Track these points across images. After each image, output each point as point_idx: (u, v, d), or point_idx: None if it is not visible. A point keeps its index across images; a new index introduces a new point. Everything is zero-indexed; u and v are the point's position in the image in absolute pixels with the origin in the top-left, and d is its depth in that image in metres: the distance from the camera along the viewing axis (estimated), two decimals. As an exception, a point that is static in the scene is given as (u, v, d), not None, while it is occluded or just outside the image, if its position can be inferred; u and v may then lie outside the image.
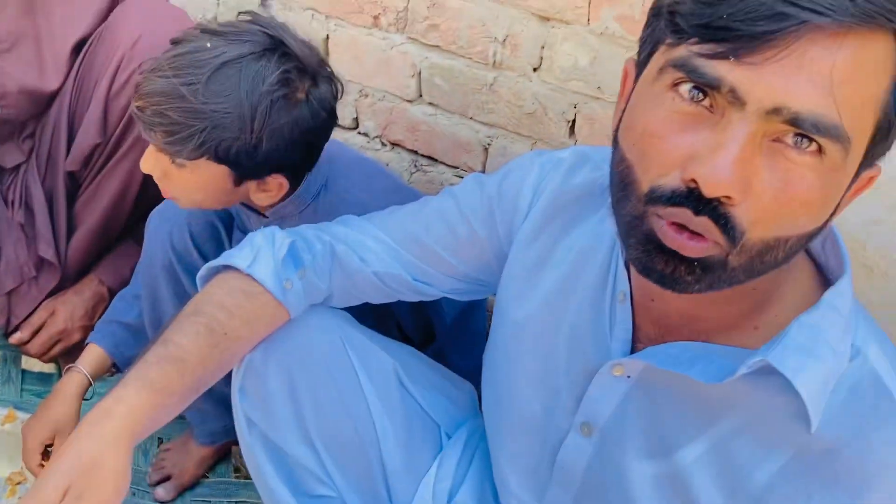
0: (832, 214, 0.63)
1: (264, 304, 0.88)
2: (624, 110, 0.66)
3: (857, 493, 0.66)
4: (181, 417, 1.36)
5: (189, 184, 1.01)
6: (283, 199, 1.08)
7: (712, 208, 0.58)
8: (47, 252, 1.39)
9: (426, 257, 0.92)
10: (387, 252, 0.92)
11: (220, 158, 0.98)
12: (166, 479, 1.36)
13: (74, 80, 1.32)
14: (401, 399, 0.95)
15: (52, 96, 1.35)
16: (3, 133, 1.37)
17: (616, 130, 0.67)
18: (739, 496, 0.71)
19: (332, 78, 1.06)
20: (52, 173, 1.39)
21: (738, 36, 0.55)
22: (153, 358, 0.81)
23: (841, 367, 0.67)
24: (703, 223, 0.58)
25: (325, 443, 0.92)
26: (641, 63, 0.65)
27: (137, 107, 0.97)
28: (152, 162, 1.01)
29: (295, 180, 1.07)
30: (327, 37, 1.46)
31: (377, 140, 1.49)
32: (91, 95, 1.29)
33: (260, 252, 0.88)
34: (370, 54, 1.42)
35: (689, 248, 0.60)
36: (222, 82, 0.95)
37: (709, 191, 0.57)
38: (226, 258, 0.89)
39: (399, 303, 1.01)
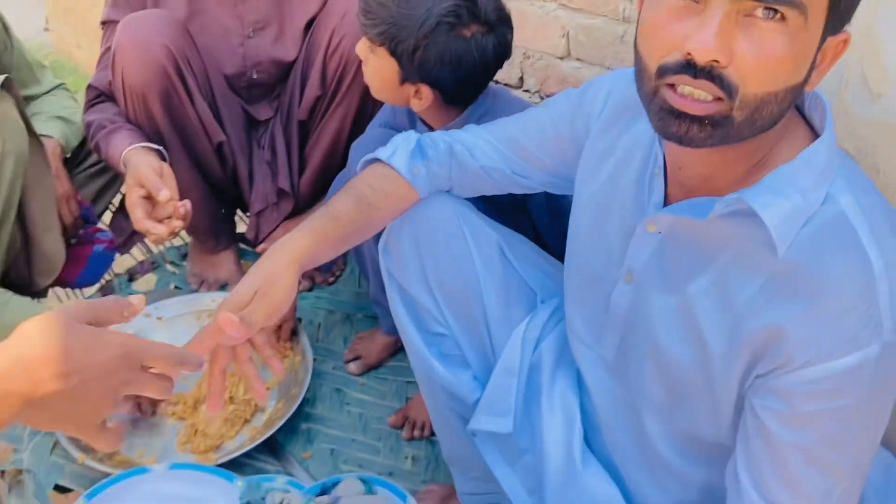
0: (810, 72, 0.81)
1: (398, 185, 1.19)
2: (638, 20, 0.89)
3: (810, 303, 0.83)
4: (373, 316, 1.76)
5: (374, 70, 1.35)
6: (451, 122, 1.39)
7: (707, 72, 0.78)
8: (285, 184, 1.84)
9: (522, 154, 1.19)
10: (493, 150, 1.20)
11: (392, 52, 1.31)
12: (357, 358, 1.74)
13: (305, 51, 1.76)
14: (502, 266, 1.22)
15: (291, 65, 1.80)
16: (258, 94, 1.86)
17: (635, 38, 0.90)
18: (728, 315, 0.90)
19: (502, 40, 1.34)
20: (290, 124, 1.85)
21: None
22: (317, 215, 1.17)
23: (810, 209, 0.84)
24: (701, 84, 0.79)
25: (442, 293, 1.21)
26: None
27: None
28: (361, 45, 1.36)
29: (450, 101, 1.37)
30: (499, 10, 1.77)
31: (537, 95, 1.76)
32: (314, 60, 1.72)
33: (398, 148, 1.21)
34: (531, 21, 1.70)
35: (696, 107, 0.80)
36: None
37: (700, 57, 0.78)
38: (374, 153, 1.23)
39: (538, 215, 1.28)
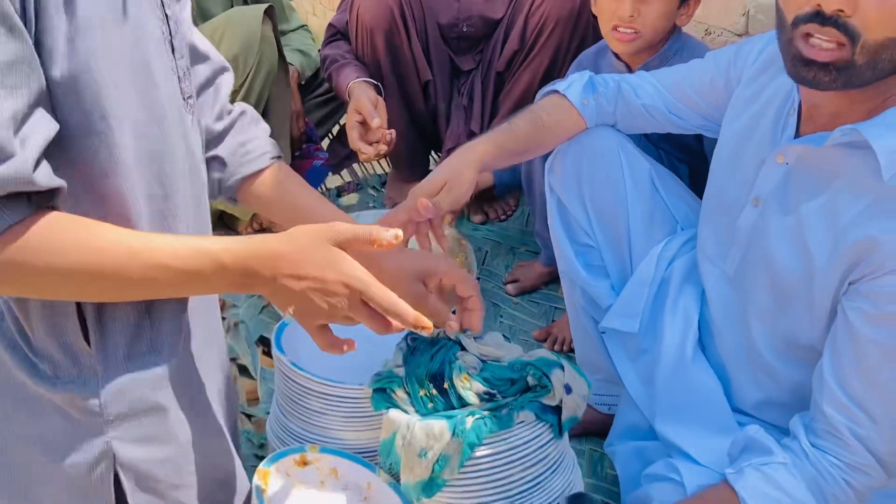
0: None
1: (570, 112, 1.41)
2: None
3: None
4: (535, 252, 2.00)
5: (658, 7, 1.51)
6: (652, 56, 1.59)
7: (834, 21, 0.95)
8: (476, 127, 2.11)
9: (681, 97, 1.37)
10: (655, 92, 1.40)
11: None
12: (515, 281, 1.98)
13: (511, 10, 2.02)
14: (650, 192, 1.41)
15: (498, 22, 2.07)
16: (465, 46, 2.14)
17: None
18: (833, 230, 1.06)
19: None
20: (488, 75, 2.12)
21: None
22: (500, 129, 1.40)
23: None
24: (828, 31, 0.96)
25: (595, 209, 1.42)
26: None
27: None
28: None
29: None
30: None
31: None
32: (517, 18, 1.98)
33: (573, 82, 1.42)
34: (715, 1, 1.86)
35: (822, 55, 0.97)
36: None
37: (827, 7, 0.95)
38: (552, 85, 1.45)
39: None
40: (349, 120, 1.87)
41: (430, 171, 2.29)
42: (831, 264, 1.06)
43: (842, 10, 0.94)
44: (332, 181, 2.42)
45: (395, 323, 0.89)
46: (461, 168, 1.33)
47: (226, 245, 0.86)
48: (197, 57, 1.08)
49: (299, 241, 0.87)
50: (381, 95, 1.93)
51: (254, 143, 1.16)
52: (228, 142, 1.15)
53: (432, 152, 2.37)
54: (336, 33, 2.10)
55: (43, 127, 0.78)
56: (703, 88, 1.35)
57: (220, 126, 1.15)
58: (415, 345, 1.13)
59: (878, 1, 0.93)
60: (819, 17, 0.96)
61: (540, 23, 1.92)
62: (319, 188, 2.34)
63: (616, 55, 1.66)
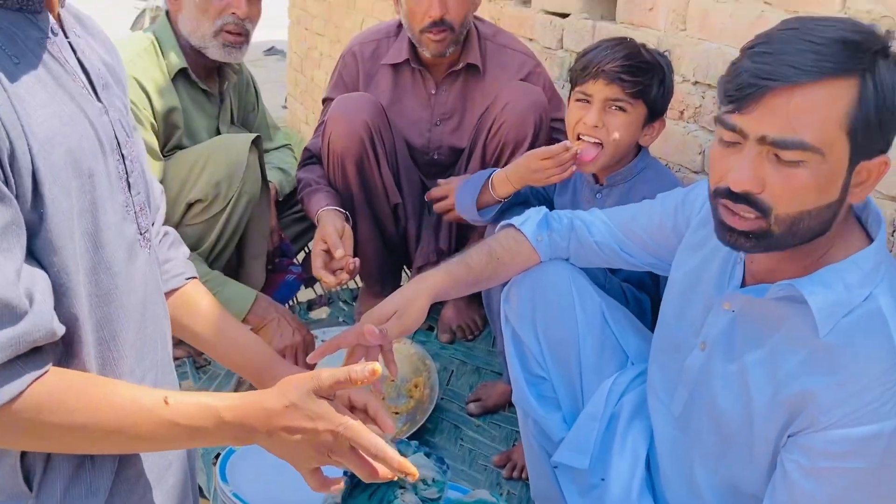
0: (845, 190, 1.01)
1: (524, 247, 1.45)
2: None
3: (840, 376, 1.01)
4: (499, 372, 2.02)
5: (625, 122, 1.60)
6: (619, 170, 1.67)
7: (745, 198, 1.02)
8: (444, 245, 2.16)
9: (632, 236, 1.43)
10: (607, 229, 1.45)
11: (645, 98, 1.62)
12: (477, 400, 1.99)
13: (473, 135, 2.11)
14: (601, 326, 1.45)
15: (461, 151, 2.16)
16: (435, 171, 2.21)
17: None
18: (773, 381, 1.09)
19: None
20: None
21: (736, 99, 1.01)
22: (455, 261, 1.44)
23: (853, 302, 1.02)
24: (739, 207, 1.03)
25: (547, 339, 1.45)
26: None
27: None
28: (614, 108, 1.60)
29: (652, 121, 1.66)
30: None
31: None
32: (478, 143, 2.06)
33: (528, 218, 1.48)
34: (673, 138, 1.95)
35: (741, 224, 1.03)
36: None
37: (735, 188, 1.02)
38: (509, 220, 1.49)
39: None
40: (314, 248, 1.91)
41: (401, 286, 2.38)
42: (771, 414, 1.08)
43: (750, 191, 1.00)
44: (304, 294, 2.45)
45: (381, 469, 0.96)
46: (413, 297, 1.36)
47: (226, 402, 0.93)
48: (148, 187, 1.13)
49: (289, 395, 0.94)
50: (349, 223, 1.99)
51: (171, 264, 1.21)
52: None
53: (404, 267, 2.41)
54: (311, 157, 2.17)
55: (40, 279, 0.83)
56: (653, 230, 1.40)
57: None
58: (354, 482, 1.13)
59: (783, 179, 0.99)
60: (731, 194, 1.03)
61: (498, 148, 2.00)
62: (290, 301, 2.37)
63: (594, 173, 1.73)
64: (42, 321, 0.81)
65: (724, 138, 1.04)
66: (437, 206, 2.03)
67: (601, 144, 1.62)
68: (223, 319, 1.23)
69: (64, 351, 0.89)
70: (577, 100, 1.66)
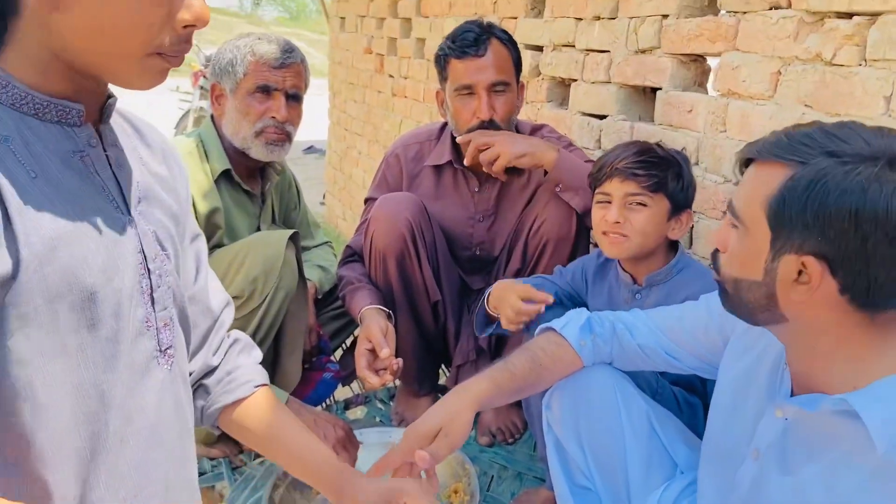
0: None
1: (567, 352, 1.42)
2: None
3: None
4: (541, 478, 1.94)
5: (648, 217, 1.63)
6: (656, 269, 1.67)
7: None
8: (484, 343, 2.14)
9: (677, 339, 1.39)
10: (650, 332, 1.42)
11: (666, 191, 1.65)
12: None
13: (514, 232, 2.11)
14: (648, 435, 1.39)
15: (502, 247, 2.16)
16: (476, 267, 2.22)
17: None
18: (834, 497, 1.02)
19: None
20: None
21: None
22: (497, 367, 1.39)
23: None
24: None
25: (591, 449, 1.40)
26: None
27: None
28: (636, 206, 1.64)
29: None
30: (692, 227, 2.02)
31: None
32: (519, 239, 2.06)
33: (570, 321, 1.45)
34: (717, 236, 1.93)
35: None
36: None
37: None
38: (550, 323, 1.47)
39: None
40: (359, 347, 1.90)
41: (440, 385, 2.35)
42: None
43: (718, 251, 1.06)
44: (342, 393, 2.42)
45: None
46: (458, 410, 1.31)
47: None
48: (204, 300, 1.14)
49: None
50: (391, 322, 1.98)
51: (239, 372, 1.19)
52: (217, 372, 1.18)
53: (442, 366, 2.38)
54: (353, 254, 2.19)
55: None
56: (699, 333, 1.37)
57: (216, 360, 1.18)
58: None
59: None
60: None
61: (541, 244, 2.01)
62: (327, 401, 2.33)
63: (621, 266, 1.74)
64: None
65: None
66: (483, 156, 1.98)
67: (627, 237, 1.64)
68: (295, 431, 1.20)
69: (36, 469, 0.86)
70: (598, 201, 1.69)
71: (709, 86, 2.08)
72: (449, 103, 2.09)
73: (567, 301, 1.84)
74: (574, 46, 2.53)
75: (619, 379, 1.44)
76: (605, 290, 1.80)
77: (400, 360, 1.84)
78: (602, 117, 2.41)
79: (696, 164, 2.00)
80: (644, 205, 1.64)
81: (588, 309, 1.69)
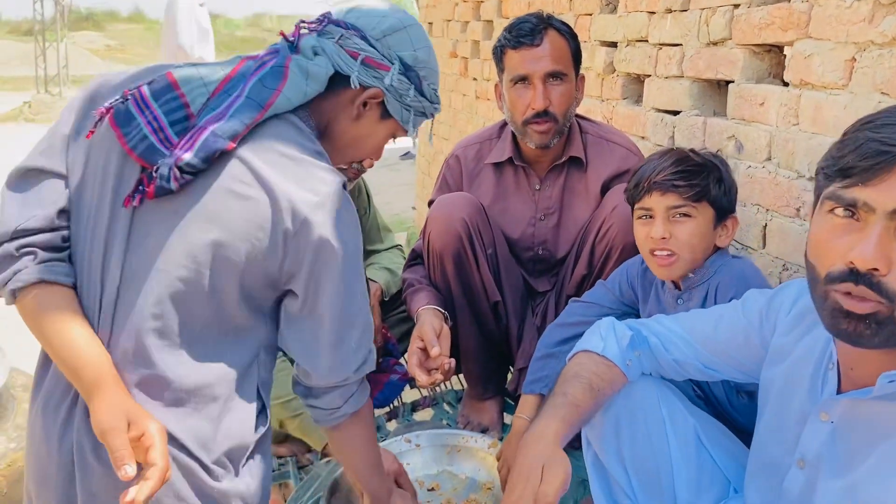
0: None
1: (616, 373, 1.34)
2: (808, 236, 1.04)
3: None
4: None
5: (694, 227, 1.55)
6: (696, 270, 1.59)
7: (867, 279, 0.91)
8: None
9: (715, 351, 1.31)
10: (685, 345, 1.34)
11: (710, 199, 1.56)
12: None
13: (581, 236, 2.06)
14: (696, 450, 1.32)
15: (565, 246, 2.11)
16: (540, 269, 2.18)
17: (805, 250, 1.04)
18: (891, 492, 0.94)
19: None
20: (561, 298, 2.13)
21: (860, 171, 0.92)
22: (560, 404, 1.28)
23: None
24: (862, 290, 0.92)
25: (635, 468, 1.33)
26: (814, 204, 1.04)
27: None
28: (681, 217, 1.56)
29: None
30: (765, 225, 1.91)
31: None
32: (586, 244, 2.01)
33: (606, 340, 1.37)
34: (791, 236, 1.81)
35: (859, 307, 0.92)
36: None
37: (861, 265, 0.91)
38: (586, 346, 1.38)
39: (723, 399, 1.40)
40: (411, 345, 1.90)
41: (505, 388, 2.31)
42: None
43: (876, 269, 0.90)
44: (410, 395, 2.43)
45: None
46: (550, 450, 1.21)
47: None
48: None
49: None
50: (448, 323, 1.97)
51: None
52: None
53: (510, 367, 2.35)
54: (416, 257, 2.20)
55: None
56: (738, 343, 1.29)
57: None
58: None
59: None
60: (853, 275, 0.92)
61: (607, 249, 1.95)
62: (394, 402, 2.35)
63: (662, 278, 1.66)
64: None
65: (838, 216, 0.94)
66: None
67: (675, 254, 1.55)
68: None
69: None
70: (640, 217, 1.61)
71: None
72: (505, 95, 2.07)
73: (623, 308, 1.79)
74: (647, 41, 2.45)
75: (663, 390, 1.37)
76: (653, 296, 1.73)
77: (452, 360, 1.83)
78: (676, 113, 2.32)
79: (769, 159, 1.89)
80: (688, 216, 1.56)
81: (639, 317, 1.63)
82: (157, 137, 1.20)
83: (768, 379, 1.20)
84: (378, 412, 2.35)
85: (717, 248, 1.62)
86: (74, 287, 1.22)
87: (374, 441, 1.43)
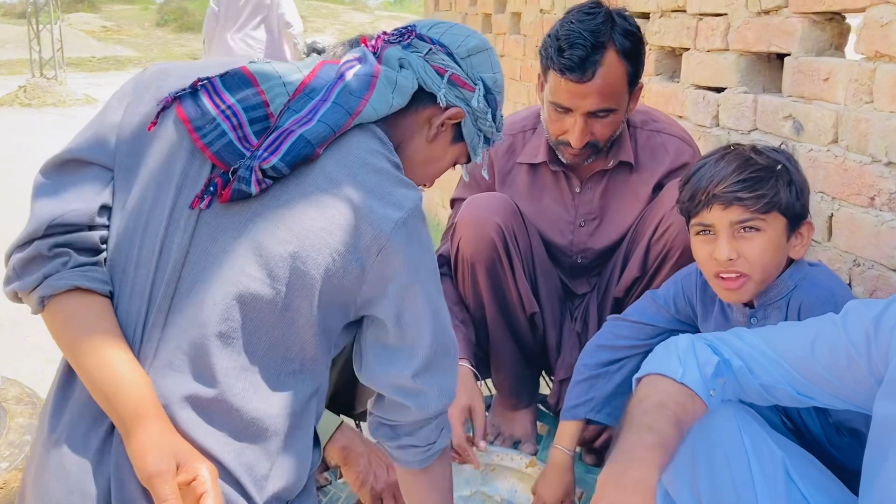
0: None
1: (698, 404, 1.16)
2: None
3: None
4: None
5: (766, 241, 1.32)
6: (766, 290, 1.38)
7: None
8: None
9: (809, 374, 1.12)
10: (773, 366, 1.15)
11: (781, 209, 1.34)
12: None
13: (631, 235, 1.86)
14: (786, 487, 1.13)
15: (613, 249, 1.91)
16: (579, 272, 1.98)
17: None
18: None
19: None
20: (605, 300, 1.94)
21: None
22: (651, 442, 1.09)
23: None
24: None
25: (712, 506, 1.16)
26: None
27: None
28: (753, 231, 1.33)
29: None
30: (831, 215, 1.71)
31: (865, 305, 1.63)
32: (637, 244, 1.80)
33: (685, 363, 1.18)
34: (864, 228, 1.61)
35: None
36: None
37: None
38: (660, 368, 1.20)
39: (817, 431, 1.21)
40: (452, 420, 1.70)
41: (543, 396, 2.13)
42: None
43: None
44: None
45: None
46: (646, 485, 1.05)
47: None
48: None
49: None
50: (479, 379, 1.81)
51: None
52: None
53: (543, 373, 2.17)
54: (441, 265, 1.95)
55: None
56: (840, 368, 1.10)
57: None
58: None
59: None
60: None
61: (664, 251, 1.75)
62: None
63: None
64: None
65: None
66: None
67: (745, 275, 1.34)
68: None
69: None
70: (699, 233, 1.39)
71: (849, 49, 1.75)
72: (543, 104, 1.81)
73: (681, 327, 1.59)
74: (685, 11, 2.23)
75: (745, 418, 1.18)
76: (717, 313, 1.52)
77: (485, 443, 1.76)
78: (720, 90, 2.11)
79: (836, 141, 1.69)
80: (757, 229, 1.34)
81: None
82: (236, 135, 1.08)
83: (891, 417, 1.00)
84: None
85: (790, 260, 1.41)
86: (111, 296, 1.09)
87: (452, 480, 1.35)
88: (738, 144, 1.44)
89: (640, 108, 1.95)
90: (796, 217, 1.37)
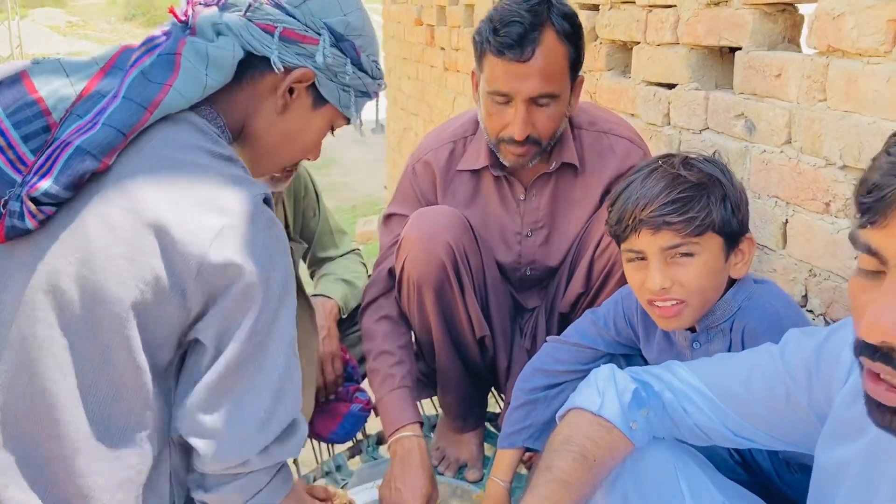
0: None
1: (617, 438, 1.06)
2: None
3: None
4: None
5: (703, 263, 1.21)
6: (714, 303, 1.26)
7: (886, 356, 0.64)
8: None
9: (747, 415, 1.01)
10: (707, 405, 1.04)
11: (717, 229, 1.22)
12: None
13: (575, 248, 1.74)
14: (726, 537, 1.02)
15: (555, 269, 1.79)
16: (528, 285, 1.86)
17: None
18: None
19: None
20: (552, 315, 1.82)
21: (868, 208, 0.65)
22: (546, 480, 1.03)
23: None
24: (880, 367, 0.65)
25: (648, 558, 1.04)
26: None
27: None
28: (687, 255, 1.21)
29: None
30: (786, 221, 1.60)
31: (821, 318, 1.52)
32: (581, 259, 1.68)
33: (603, 395, 1.08)
34: (819, 236, 1.50)
35: (883, 394, 0.64)
36: None
37: (871, 338, 0.64)
38: (578, 403, 1.11)
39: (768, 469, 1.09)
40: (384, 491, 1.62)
41: (492, 414, 2.01)
42: None
43: (885, 342, 0.63)
44: (374, 425, 2.11)
45: None
46: None
47: None
48: None
49: None
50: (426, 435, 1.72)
51: None
52: None
53: (493, 390, 2.04)
54: (378, 295, 1.81)
55: None
56: (779, 406, 0.98)
57: None
58: None
59: None
60: (867, 349, 0.66)
61: (608, 265, 1.63)
62: (357, 436, 2.04)
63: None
64: None
65: (860, 265, 0.68)
66: None
67: (682, 302, 1.21)
68: None
69: None
70: (630, 259, 1.26)
71: (802, 42, 1.64)
72: (481, 99, 1.67)
73: (620, 350, 1.47)
74: (634, 3, 2.11)
75: (681, 459, 1.07)
76: (658, 336, 1.39)
77: None
78: (671, 86, 1.99)
79: (789, 142, 1.57)
80: (691, 254, 1.21)
81: (644, 360, 1.32)
82: (5, 157, 0.91)
83: (835, 461, 0.89)
84: (339, 448, 2.03)
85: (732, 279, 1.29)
86: None
87: None
88: (668, 157, 1.31)
89: (586, 108, 1.82)
90: (734, 234, 1.25)
